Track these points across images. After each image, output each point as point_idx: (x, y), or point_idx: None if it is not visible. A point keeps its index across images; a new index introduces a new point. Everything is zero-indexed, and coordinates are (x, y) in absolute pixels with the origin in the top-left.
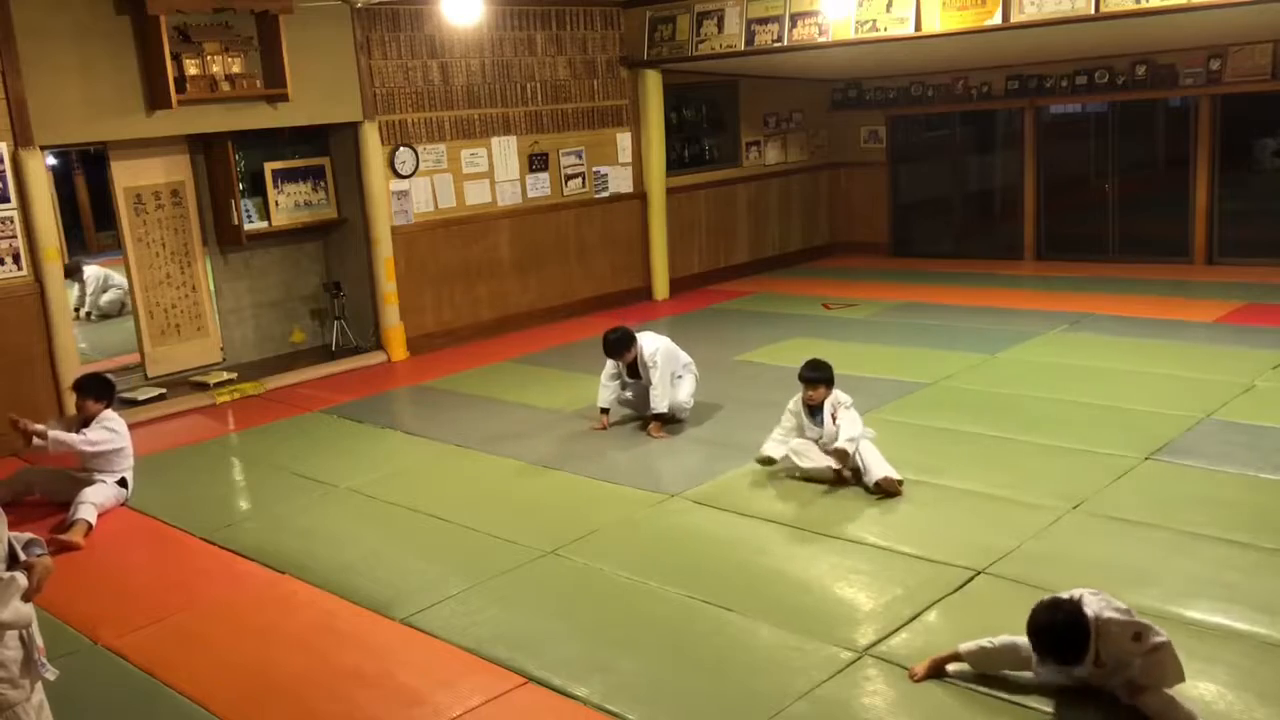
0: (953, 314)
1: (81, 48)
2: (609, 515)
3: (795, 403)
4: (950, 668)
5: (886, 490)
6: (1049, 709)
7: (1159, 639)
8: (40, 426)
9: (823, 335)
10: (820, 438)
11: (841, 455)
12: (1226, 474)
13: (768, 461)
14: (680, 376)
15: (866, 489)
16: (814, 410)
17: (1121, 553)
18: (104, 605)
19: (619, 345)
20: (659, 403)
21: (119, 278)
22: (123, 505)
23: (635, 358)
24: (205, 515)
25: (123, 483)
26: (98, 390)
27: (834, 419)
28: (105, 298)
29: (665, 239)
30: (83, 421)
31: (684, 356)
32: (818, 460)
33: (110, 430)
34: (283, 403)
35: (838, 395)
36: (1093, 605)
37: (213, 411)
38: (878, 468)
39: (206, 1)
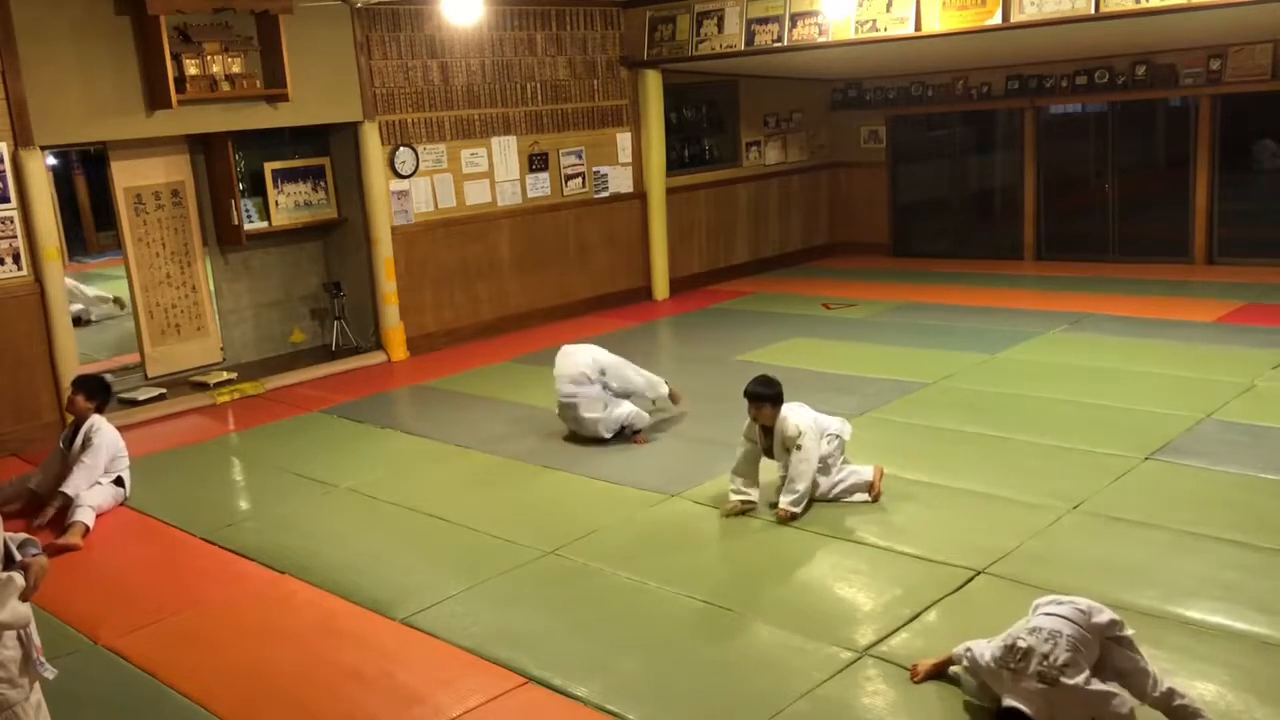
0: (953, 314)
1: (81, 48)
2: (609, 515)
3: (750, 429)
4: (952, 669)
5: (879, 490)
6: None
7: (1119, 703)
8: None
9: (823, 335)
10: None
11: (785, 517)
12: (1226, 474)
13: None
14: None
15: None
16: (769, 431)
17: (1121, 553)
18: (104, 605)
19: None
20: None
21: (86, 289)
22: (122, 505)
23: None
24: (205, 515)
25: (119, 481)
26: (90, 389)
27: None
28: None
29: (665, 239)
30: (74, 425)
31: (830, 423)
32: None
33: (98, 445)
34: (283, 403)
35: (786, 425)
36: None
37: (213, 411)
38: (857, 486)
39: (206, 1)
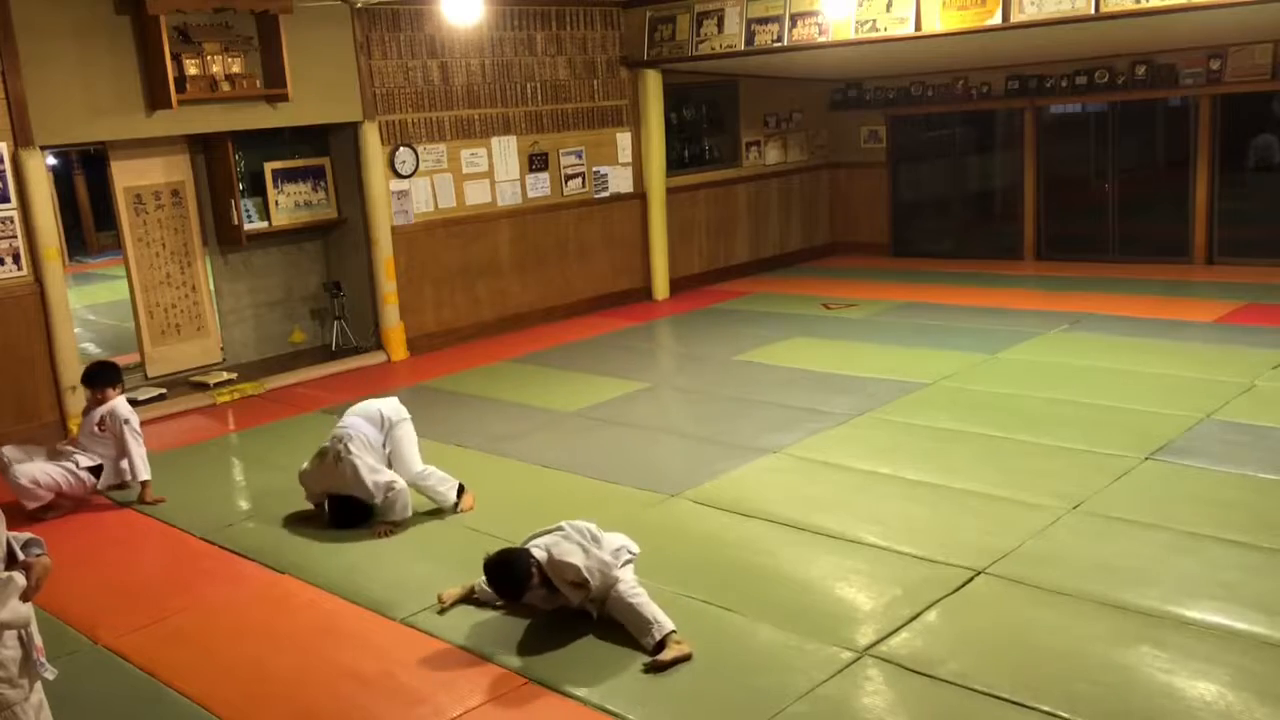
0: (953, 314)
1: (81, 47)
2: (609, 515)
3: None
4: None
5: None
6: (1048, 708)
7: None
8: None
9: (823, 335)
10: None
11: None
12: (1226, 474)
13: None
14: None
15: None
16: (548, 582)
17: (1121, 553)
18: (104, 605)
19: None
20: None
21: None
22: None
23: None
24: (205, 515)
25: (96, 471)
26: (109, 379)
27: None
28: None
29: (665, 239)
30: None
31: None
32: None
33: (136, 424)
34: (283, 403)
35: (565, 569)
36: None
37: (213, 411)
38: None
39: (206, 1)
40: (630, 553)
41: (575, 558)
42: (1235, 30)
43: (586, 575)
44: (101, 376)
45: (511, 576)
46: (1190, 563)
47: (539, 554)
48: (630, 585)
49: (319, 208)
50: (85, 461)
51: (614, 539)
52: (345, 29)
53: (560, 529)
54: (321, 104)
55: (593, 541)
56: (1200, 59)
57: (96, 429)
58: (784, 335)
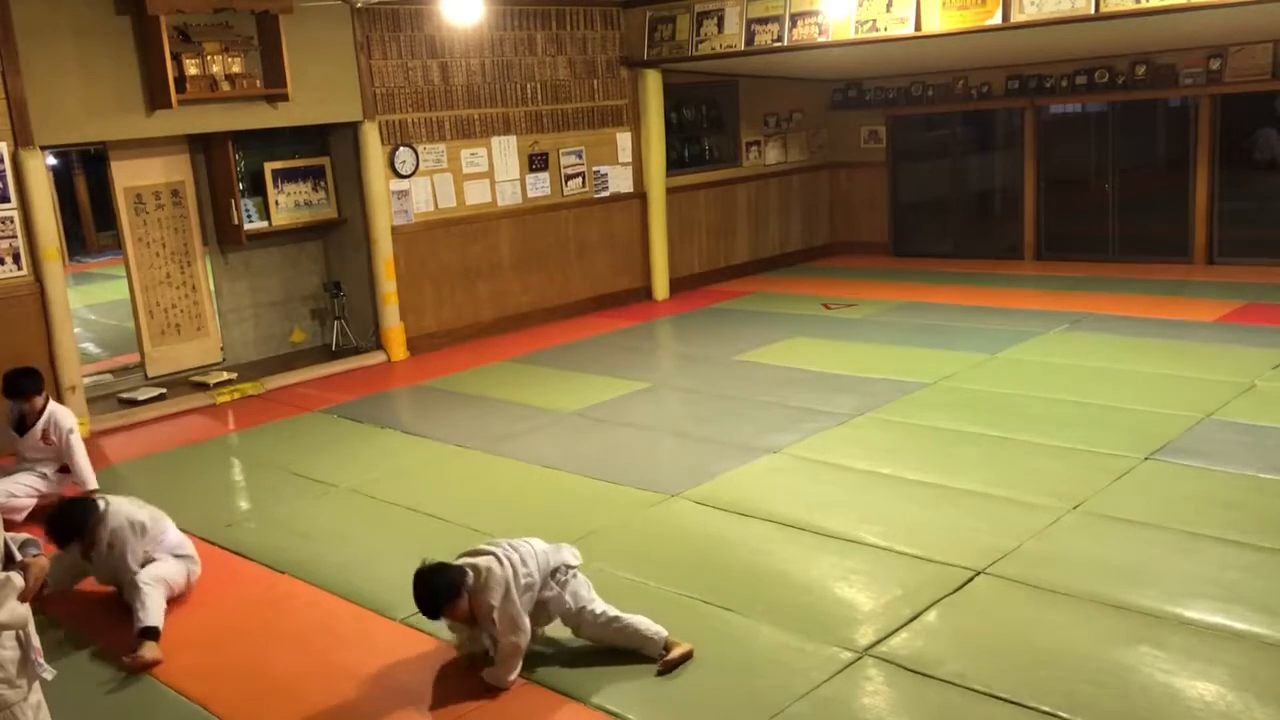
0: (953, 314)
1: (82, 47)
2: (609, 515)
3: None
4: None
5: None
6: (1048, 708)
7: None
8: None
9: (823, 335)
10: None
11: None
12: (1226, 474)
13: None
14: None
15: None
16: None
17: (1121, 553)
18: (103, 606)
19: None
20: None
21: None
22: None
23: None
24: (205, 515)
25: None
26: (36, 383)
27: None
28: None
29: (665, 239)
30: (21, 418)
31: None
32: None
33: (79, 436)
34: (283, 403)
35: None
36: None
37: (213, 411)
38: (647, 640)
39: (206, 1)
40: (570, 566)
41: (499, 599)
42: (1235, 30)
43: (495, 619)
44: (28, 385)
45: (431, 595)
46: (1190, 563)
47: (470, 575)
48: (599, 614)
49: (319, 207)
50: (45, 472)
51: (553, 556)
52: (345, 29)
53: (494, 556)
54: (321, 104)
55: (526, 575)
56: (1200, 59)
57: (41, 442)
58: (784, 335)
